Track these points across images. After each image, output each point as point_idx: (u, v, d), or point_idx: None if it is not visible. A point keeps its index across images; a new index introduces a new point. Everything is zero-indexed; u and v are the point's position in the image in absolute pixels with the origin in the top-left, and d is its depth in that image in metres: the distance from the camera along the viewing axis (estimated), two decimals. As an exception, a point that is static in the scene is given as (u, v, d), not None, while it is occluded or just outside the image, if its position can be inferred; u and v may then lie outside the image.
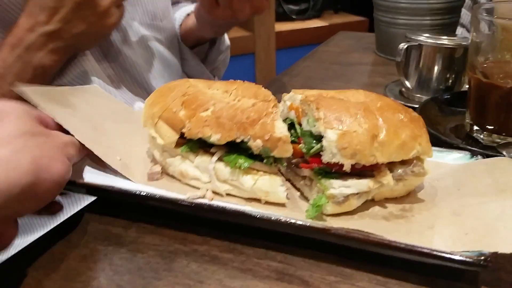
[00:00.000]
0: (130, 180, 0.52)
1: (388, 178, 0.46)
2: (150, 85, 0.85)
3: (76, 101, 0.60)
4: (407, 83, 0.79)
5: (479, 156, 0.53)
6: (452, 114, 0.70)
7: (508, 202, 0.44)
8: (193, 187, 0.52)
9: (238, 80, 0.57)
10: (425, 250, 0.40)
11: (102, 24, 0.69)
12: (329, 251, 0.44)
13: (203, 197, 0.49)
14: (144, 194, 0.49)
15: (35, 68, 0.67)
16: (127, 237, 0.48)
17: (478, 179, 0.49)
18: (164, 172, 0.55)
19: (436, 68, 0.77)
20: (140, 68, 0.83)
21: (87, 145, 0.51)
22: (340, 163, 0.45)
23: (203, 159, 0.51)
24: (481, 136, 0.63)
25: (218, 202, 0.48)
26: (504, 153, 0.56)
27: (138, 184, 0.51)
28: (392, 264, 0.42)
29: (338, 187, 0.46)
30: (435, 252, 0.39)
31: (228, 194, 0.50)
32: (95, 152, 0.52)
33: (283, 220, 0.44)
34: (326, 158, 0.45)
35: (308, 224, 0.44)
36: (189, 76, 0.97)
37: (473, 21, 0.61)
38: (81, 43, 0.71)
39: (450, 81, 0.78)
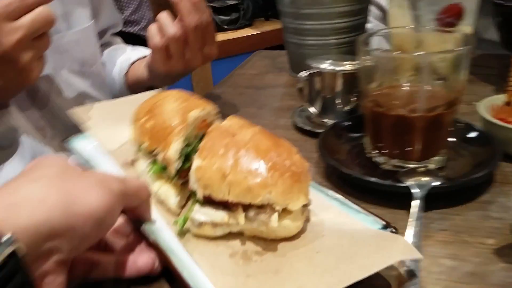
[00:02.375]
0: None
1: (240, 218, 0.48)
2: None
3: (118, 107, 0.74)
4: (312, 109, 0.80)
5: (389, 230, 0.49)
6: (354, 140, 0.71)
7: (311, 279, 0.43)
8: None
9: (196, 98, 0.64)
10: None
11: (22, 78, 0.66)
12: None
13: None
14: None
15: None
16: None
17: (341, 246, 0.47)
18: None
19: (338, 92, 0.78)
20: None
21: (98, 138, 0.67)
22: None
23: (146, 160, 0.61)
24: (380, 160, 0.64)
25: None
26: (408, 183, 0.57)
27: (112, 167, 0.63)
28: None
29: (195, 212, 0.50)
30: None
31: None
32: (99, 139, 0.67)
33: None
34: (190, 184, 0.51)
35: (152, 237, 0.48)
36: None
37: (361, 51, 0.62)
38: (0, 96, 0.68)
39: (354, 103, 0.79)
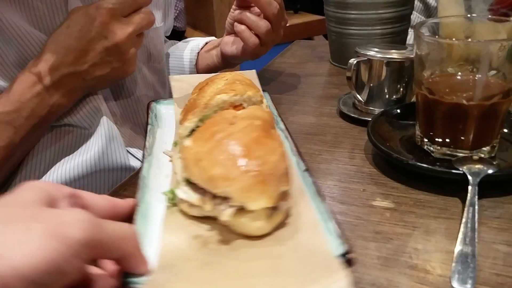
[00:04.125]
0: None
1: (207, 203, 0.48)
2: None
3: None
4: (359, 97, 0.80)
5: (345, 259, 0.43)
6: (403, 127, 0.71)
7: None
8: None
9: (246, 83, 0.65)
10: None
11: (123, 70, 0.72)
12: None
13: (170, 156, 0.63)
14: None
15: (52, 106, 0.68)
16: None
17: (279, 259, 0.45)
18: None
19: (386, 81, 0.78)
20: (143, 107, 0.87)
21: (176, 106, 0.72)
22: None
23: None
24: (431, 149, 0.65)
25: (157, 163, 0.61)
26: (464, 169, 0.57)
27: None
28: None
29: (179, 188, 0.51)
30: None
31: None
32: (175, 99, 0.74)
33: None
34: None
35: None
36: None
37: (416, 38, 0.63)
38: (99, 85, 0.73)
39: (401, 92, 0.79)
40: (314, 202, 0.51)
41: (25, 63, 0.68)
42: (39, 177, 0.73)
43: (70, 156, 0.75)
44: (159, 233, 0.48)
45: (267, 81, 1.05)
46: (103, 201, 0.45)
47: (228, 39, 0.96)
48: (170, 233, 0.48)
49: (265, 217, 0.47)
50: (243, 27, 0.87)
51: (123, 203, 0.49)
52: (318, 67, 1.13)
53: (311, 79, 1.05)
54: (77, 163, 0.75)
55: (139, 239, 0.40)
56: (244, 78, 0.67)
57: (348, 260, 0.43)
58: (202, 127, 0.54)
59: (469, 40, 0.64)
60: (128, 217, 0.48)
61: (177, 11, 2.40)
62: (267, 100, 0.76)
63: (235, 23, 0.89)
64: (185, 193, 0.51)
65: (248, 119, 0.53)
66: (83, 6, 0.69)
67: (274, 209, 0.48)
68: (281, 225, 0.49)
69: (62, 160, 0.75)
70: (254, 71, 0.83)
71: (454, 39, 0.61)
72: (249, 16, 0.86)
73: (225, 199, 0.48)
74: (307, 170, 0.55)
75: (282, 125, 0.68)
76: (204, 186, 0.49)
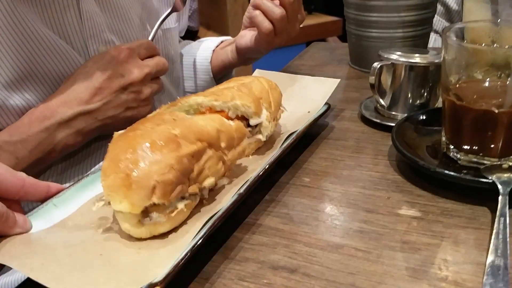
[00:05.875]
0: None
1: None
2: None
3: None
4: (381, 101, 0.79)
5: None
6: (428, 133, 0.70)
7: None
8: None
9: (244, 89, 0.64)
10: None
11: (138, 111, 0.72)
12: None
13: None
14: None
15: (57, 144, 0.68)
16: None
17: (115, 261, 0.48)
18: None
19: (409, 85, 0.77)
20: (154, 108, 0.88)
21: None
22: None
23: None
24: (458, 156, 0.63)
25: None
26: (493, 178, 0.55)
27: None
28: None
29: None
30: None
31: None
32: None
33: None
34: None
35: None
36: None
37: (444, 42, 0.61)
38: (111, 126, 0.71)
39: (425, 97, 0.78)
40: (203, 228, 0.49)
41: (31, 70, 0.68)
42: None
43: (85, 155, 0.76)
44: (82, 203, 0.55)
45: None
46: (10, 177, 0.48)
47: (244, 32, 0.95)
48: (86, 208, 0.54)
49: (133, 222, 0.48)
50: (257, 12, 0.86)
51: (39, 185, 0.51)
52: (337, 69, 1.12)
53: (330, 82, 1.04)
54: (90, 163, 0.75)
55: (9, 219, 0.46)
56: (259, 86, 0.66)
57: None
58: (138, 121, 0.55)
59: (497, 45, 0.63)
60: (41, 198, 0.53)
61: (191, 11, 2.41)
62: (316, 114, 0.74)
63: (250, 10, 0.88)
64: None
65: (172, 125, 0.52)
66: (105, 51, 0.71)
67: (147, 217, 0.48)
68: (161, 236, 0.50)
69: (75, 160, 0.75)
70: (337, 80, 0.81)
71: (483, 44, 0.60)
72: (264, 1, 0.85)
73: None
74: (236, 194, 0.54)
75: (285, 144, 0.65)
76: None
